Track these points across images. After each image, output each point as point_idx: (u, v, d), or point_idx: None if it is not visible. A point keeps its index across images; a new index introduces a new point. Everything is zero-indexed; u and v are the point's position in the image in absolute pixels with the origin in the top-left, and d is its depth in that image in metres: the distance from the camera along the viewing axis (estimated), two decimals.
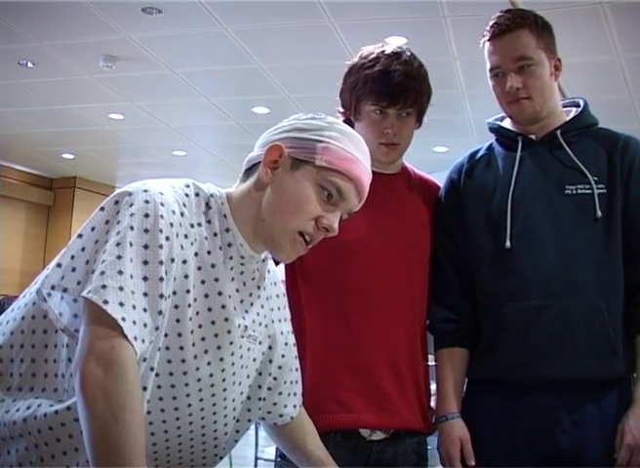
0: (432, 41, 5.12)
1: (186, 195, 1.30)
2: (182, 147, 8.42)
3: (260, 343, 1.42)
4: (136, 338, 1.12)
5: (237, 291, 1.35)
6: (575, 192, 1.76)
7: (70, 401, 1.20)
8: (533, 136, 1.83)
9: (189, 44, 5.42)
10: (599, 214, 1.73)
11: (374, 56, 1.79)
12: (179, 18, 4.95)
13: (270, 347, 1.46)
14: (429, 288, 1.88)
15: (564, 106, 1.89)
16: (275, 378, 1.50)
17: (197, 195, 1.32)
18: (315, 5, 4.69)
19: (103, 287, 1.12)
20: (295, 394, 1.55)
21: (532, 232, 1.76)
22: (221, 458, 1.45)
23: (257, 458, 5.08)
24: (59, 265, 1.19)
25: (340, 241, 1.77)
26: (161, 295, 1.18)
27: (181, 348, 1.27)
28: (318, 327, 1.79)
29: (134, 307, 1.14)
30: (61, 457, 1.21)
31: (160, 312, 1.18)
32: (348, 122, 1.89)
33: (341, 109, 1.88)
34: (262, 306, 1.42)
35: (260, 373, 1.45)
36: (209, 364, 1.31)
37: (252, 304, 1.39)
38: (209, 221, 1.32)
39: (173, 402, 1.29)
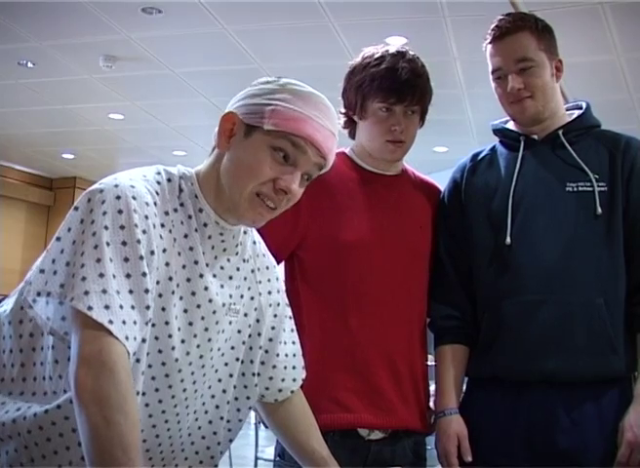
0: (432, 41, 5.11)
1: (158, 183, 1.30)
2: (182, 147, 8.42)
3: (245, 315, 1.43)
4: (127, 338, 1.13)
5: (222, 268, 1.36)
6: (575, 189, 1.76)
7: (60, 399, 1.20)
8: (535, 137, 1.84)
9: (189, 44, 5.41)
10: (599, 210, 1.73)
11: (379, 54, 1.81)
12: (179, 18, 4.95)
13: (258, 320, 1.46)
14: (429, 286, 1.89)
15: (567, 109, 1.90)
16: (267, 351, 1.50)
17: (169, 180, 1.32)
18: (315, 5, 4.69)
19: (86, 293, 1.12)
20: (294, 367, 1.54)
21: (532, 228, 1.77)
22: (222, 453, 1.46)
23: (257, 458, 5.09)
24: (41, 271, 1.19)
25: (339, 241, 1.78)
26: (146, 290, 1.19)
27: (170, 336, 1.28)
28: (317, 326, 1.79)
29: (121, 307, 1.14)
30: (52, 457, 1.21)
31: (148, 307, 1.19)
32: (351, 122, 1.89)
33: (343, 110, 1.88)
34: (246, 278, 1.43)
35: (250, 348, 1.46)
36: (198, 346, 1.33)
37: (233, 278, 1.39)
38: (182, 204, 1.32)
39: (169, 390, 1.30)
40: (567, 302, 1.71)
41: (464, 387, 1.90)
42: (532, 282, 1.74)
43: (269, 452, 4.87)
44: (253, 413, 1.96)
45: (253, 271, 1.45)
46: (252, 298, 1.45)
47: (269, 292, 1.49)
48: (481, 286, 1.84)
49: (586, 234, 1.74)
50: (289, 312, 1.55)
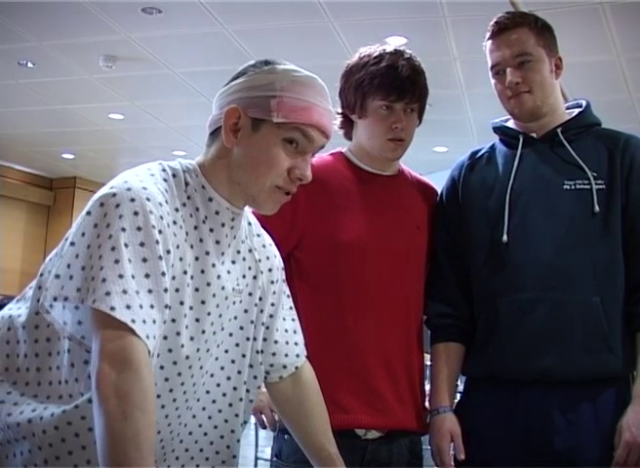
0: (432, 41, 5.12)
1: (165, 180, 1.31)
2: (182, 147, 8.42)
3: (249, 295, 1.44)
4: (148, 336, 1.14)
5: (222, 254, 1.37)
6: (573, 187, 1.76)
7: (78, 400, 1.21)
8: (534, 135, 1.84)
9: (189, 44, 5.42)
10: (597, 208, 1.73)
11: (377, 53, 1.81)
12: (179, 18, 4.95)
13: (261, 298, 1.48)
14: (426, 284, 1.89)
15: (568, 108, 1.90)
16: (267, 328, 1.51)
17: (175, 176, 1.33)
18: (315, 5, 4.69)
19: (107, 294, 1.13)
20: (296, 343, 1.55)
21: (528, 226, 1.76)
22: (238, 440, 1.45)
23: (257, 458, 5.09)
24: (57, 276, 1.19)
25: (336, 241, 1.78)
26: (165, 290, 1.20)
27: (187, 327, 1.29)
28: (314, 327, 1.78)
29: (141, 307, 1.15)
30: (67, 457, 1.21)
31: (167, 306, 1.20)
32: (348, 121, 1.89)
33: (340, 110, 1.88)
34: (245, 258, 1.44)
35: (255, 326, 1.47)
36: (214, 333, 1.35)
37: (236, 261, 1.41)
38: (189, 197, 1.33)
39: (178, 378, 1.31)
40: (563, 301, 1.70)
41: (461, 386, 1.90)
42: (528, 280, 1.74)
43: (269, 452, 4.87)
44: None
45: (250, 251, 1.46)
46: (254, 277, 1.46)
47: (269, 270, 1.50)
48: (478, 284, 1.83)
49: (584, 232, 1.73)
50: (287, 290, 1.57)
